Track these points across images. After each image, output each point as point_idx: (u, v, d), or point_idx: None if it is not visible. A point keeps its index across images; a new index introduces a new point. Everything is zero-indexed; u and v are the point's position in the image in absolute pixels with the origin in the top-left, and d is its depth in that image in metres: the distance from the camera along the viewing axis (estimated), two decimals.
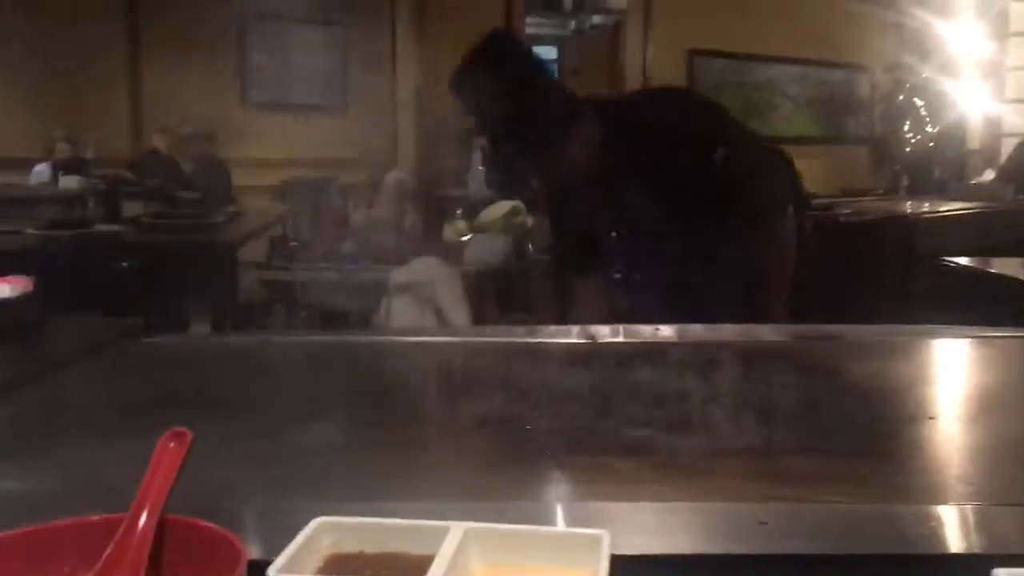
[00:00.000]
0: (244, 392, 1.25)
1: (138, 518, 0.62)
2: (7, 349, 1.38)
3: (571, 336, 1.54)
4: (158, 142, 6.70)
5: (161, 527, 0.62)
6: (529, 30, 7.09)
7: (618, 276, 2.21)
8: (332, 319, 3.60)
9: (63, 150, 6.17)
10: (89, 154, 5.97)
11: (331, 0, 8.57)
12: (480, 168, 5.71)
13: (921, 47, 9.48)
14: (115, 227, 3.83)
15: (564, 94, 2.11)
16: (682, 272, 2.06)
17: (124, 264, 3.28)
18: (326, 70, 9.45)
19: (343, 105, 9.47)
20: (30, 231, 3.58)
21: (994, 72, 8.50)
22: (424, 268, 3.24)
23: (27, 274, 1.52)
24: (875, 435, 1.04)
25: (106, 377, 1.37)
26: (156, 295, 2.92)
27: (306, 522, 0.61)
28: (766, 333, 1.57)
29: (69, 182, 5.02)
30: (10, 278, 1.50)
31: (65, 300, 1.66)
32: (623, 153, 2.04)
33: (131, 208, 4.46)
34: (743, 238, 2.08)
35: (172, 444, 0.66)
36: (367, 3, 7.81)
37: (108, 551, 0.61)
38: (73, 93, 6.90)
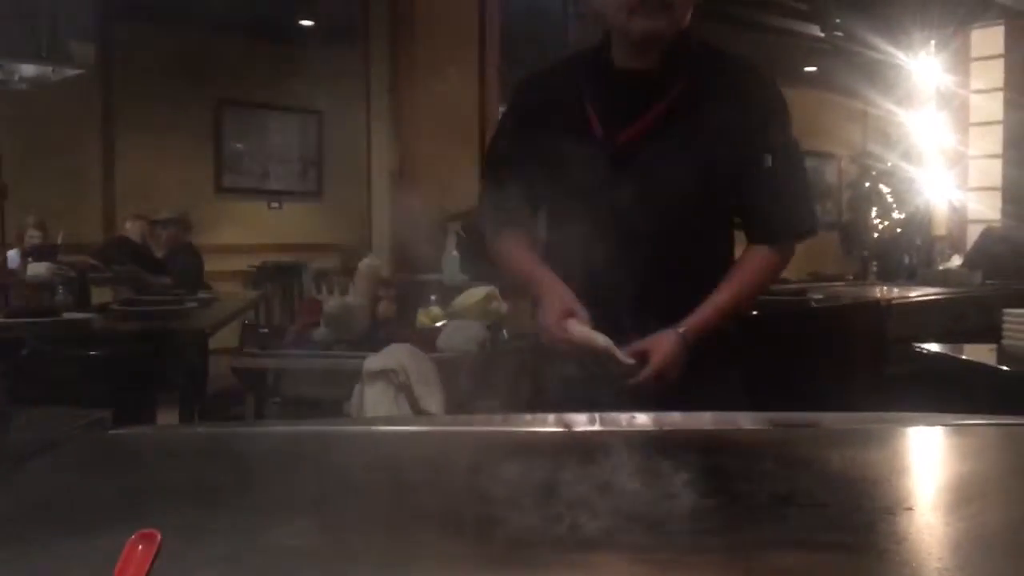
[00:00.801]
0: (213, 487, 1.22)
1: None
2: None
3: (547, 425, 1.52)
4: (130, 229, 6.69)
5: None
6: None
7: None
8: (304, 407, 3.56)
9: (33, 237, 6.15)
10: (59, 241, 5.95)
11: (306, 87, 8.69)
12: (455, 254, 5.72)
13: (886, 136, 9.71)
14: (84, 315, 3.79)
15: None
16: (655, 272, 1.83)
17: (92, 353, 3.25)
18: (301, 156, 9.54)
19: (317, 191, 9.54)
20: None
21: (958, 161, 8.70)
22: (398, 355, 3.23)
23: None
24: (853, 527, 1.03)
25: (71, 471, 1.34)
26: (125, 384, 2.88)
27: None
28: (743, 421, 1.57)
29: (37, 269, 4.99)
30: None
31: (30, 390, 1.63)
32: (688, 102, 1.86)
33: (101, 295, 4.43)
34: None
35: (140, 547, 0.64)
36: (342, 90, 7.92)
37: None
38: (46, 180, 6.91)
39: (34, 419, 1.56)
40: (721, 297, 1.89)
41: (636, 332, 1.84)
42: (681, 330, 1.85)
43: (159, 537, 0.65)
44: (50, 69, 5.52)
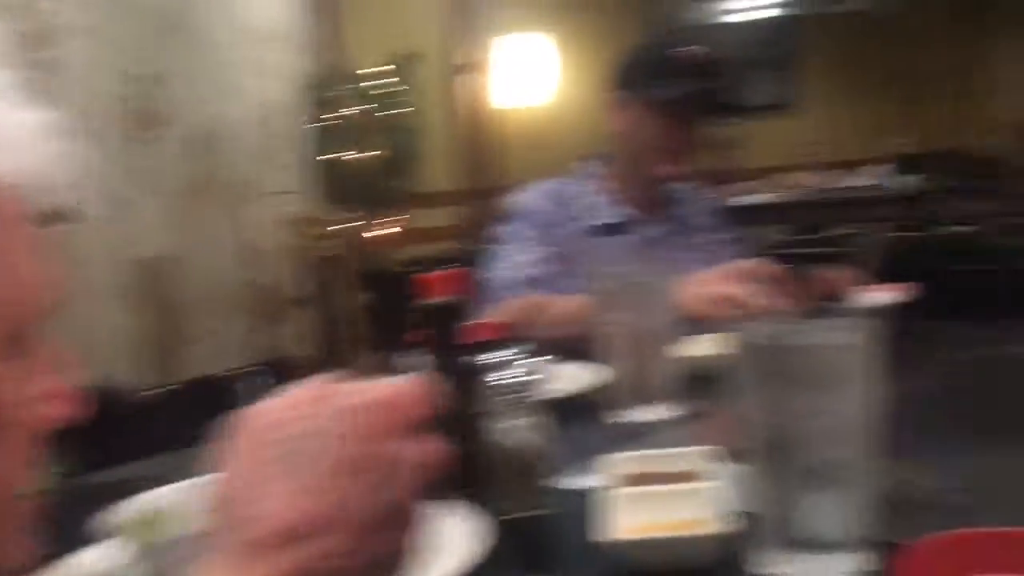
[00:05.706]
0: None
1: None
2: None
3: None
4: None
5: None
6: None
7: None
8: None
9: (901, 144, 6.04)
10: (925, 150, 5.77)
11: None
12: None
13: None
14: (965, 228, 3.59)
15: None
16: None
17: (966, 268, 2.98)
18: None
19: None
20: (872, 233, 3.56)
21: None
22: None
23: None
24: None
25: None
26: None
27: None
28: None
29: (905, 181, 4.97)
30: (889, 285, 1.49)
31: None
32: None
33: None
34: None
35: None
36: None
37: None
38: (905, 91, 6.70)
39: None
40: None
41: None
42: None
43: None
44: None
